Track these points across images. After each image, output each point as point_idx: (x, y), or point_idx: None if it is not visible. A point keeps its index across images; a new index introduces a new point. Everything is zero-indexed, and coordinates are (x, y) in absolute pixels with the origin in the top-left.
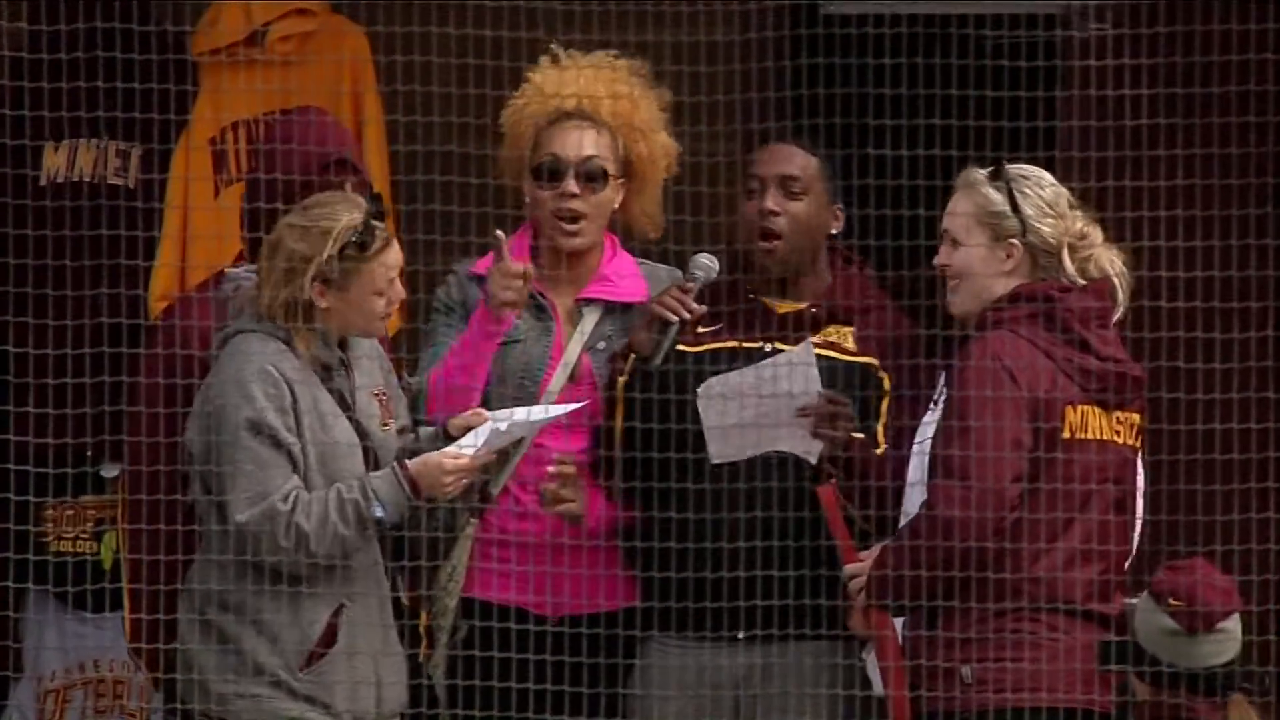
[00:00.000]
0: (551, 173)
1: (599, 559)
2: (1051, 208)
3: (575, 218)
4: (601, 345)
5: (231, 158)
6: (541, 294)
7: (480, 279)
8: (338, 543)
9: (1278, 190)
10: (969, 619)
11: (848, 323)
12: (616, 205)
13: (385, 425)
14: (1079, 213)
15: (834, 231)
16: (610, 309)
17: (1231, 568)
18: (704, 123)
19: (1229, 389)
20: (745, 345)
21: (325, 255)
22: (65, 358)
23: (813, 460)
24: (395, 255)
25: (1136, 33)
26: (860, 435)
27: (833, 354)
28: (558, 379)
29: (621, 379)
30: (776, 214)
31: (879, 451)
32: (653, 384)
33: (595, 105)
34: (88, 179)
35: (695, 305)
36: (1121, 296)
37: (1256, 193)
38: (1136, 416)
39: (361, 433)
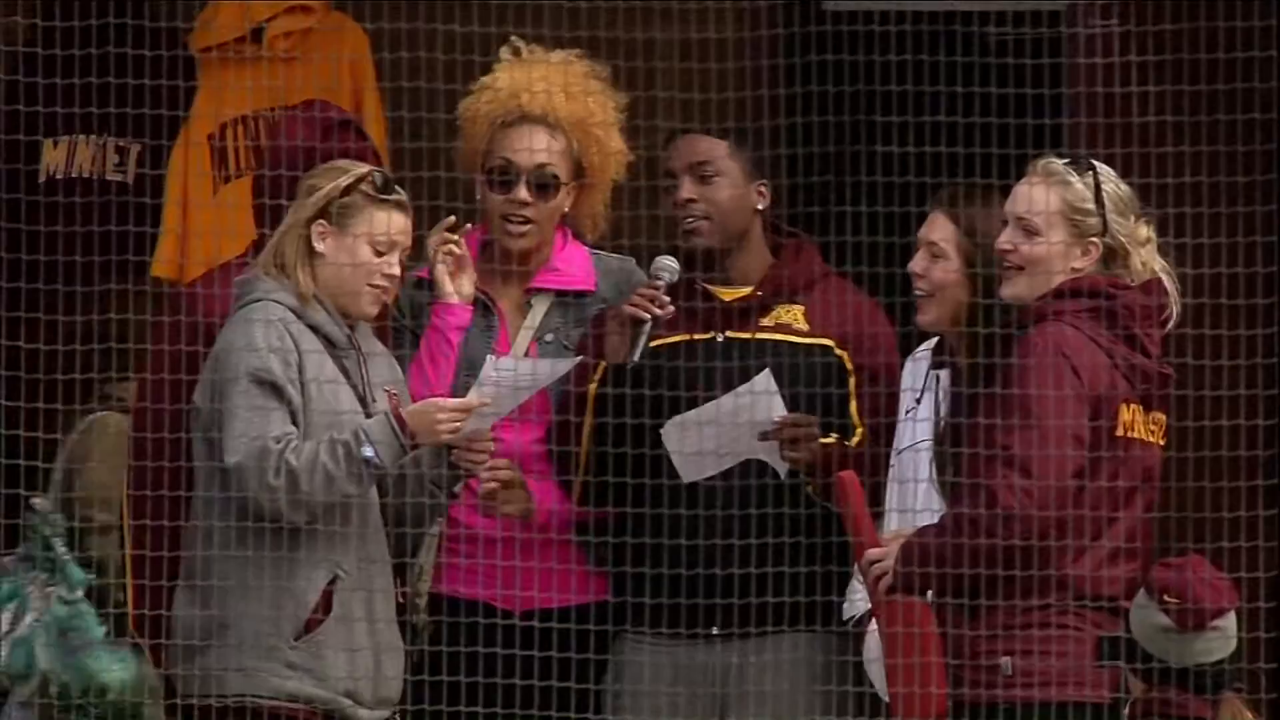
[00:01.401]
0: (504, 177)
1: (559, 554)
2: (1126, 207)
3: (524, 221)
4: (549, 337)
5: (230, 154)
6: (484, 291)
7: (425, 283)
8: (328, 484)
9: (1265, 188)
10: (1012, 613)
11: (796, 300)
12: (567, 208)
13: None
14: (1142, 218)
15: (760, 208)
16: (560, 300)
17: (1230, 565)
18: (711, 120)
19: (1227, 386)
20: (696, 338)
21: (339, 183)
22: (68, 353)
23: (782, 472)
24: (404, 225)
25: (1143, 29)
26: (831, 439)
27: (785, 337)
28: None
29: (593, 384)
30: (694, 200)
31: (856, 440)
32: (625, 383)
33: (553, 108)
34: (87, 175)
35: (665, 301)
36: (1175, 310)
37: (1263, 189)
38: (1164, 417)
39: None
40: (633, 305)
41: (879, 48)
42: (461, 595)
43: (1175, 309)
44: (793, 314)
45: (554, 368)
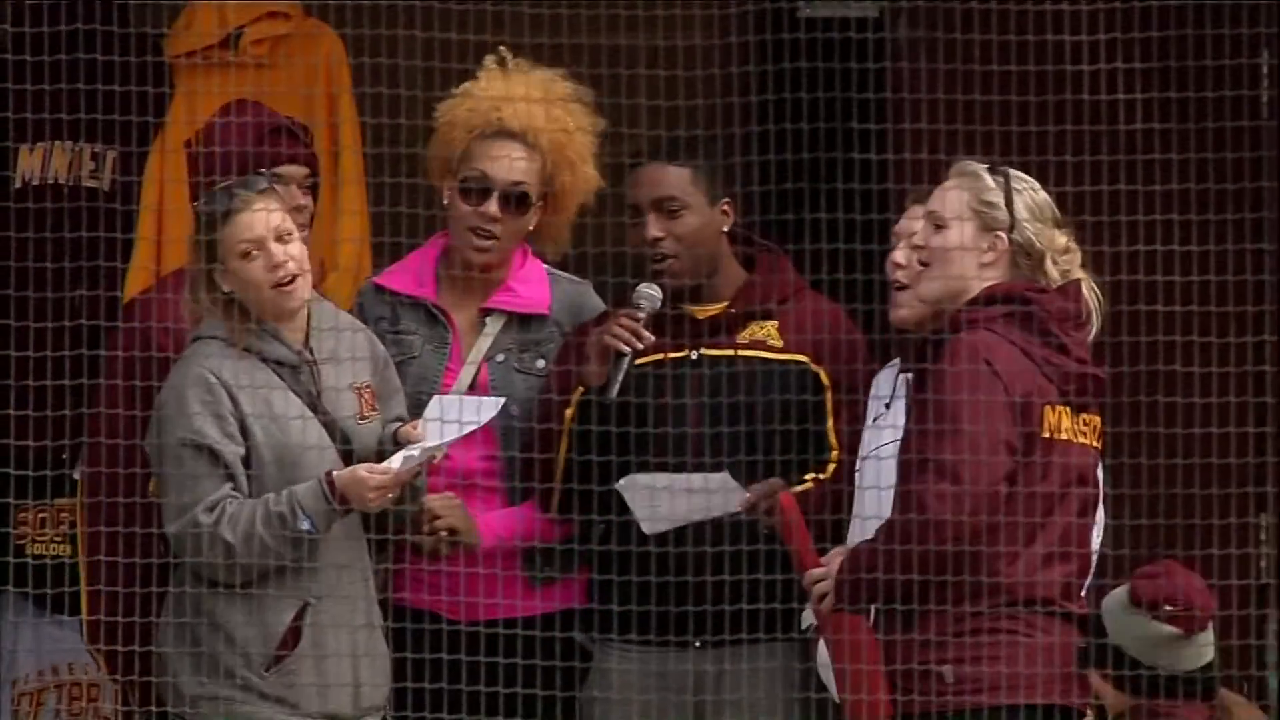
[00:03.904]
0: (478, 190)
1: (509, 564)
2: (1041, 213)
3: (489, 235)
4: (500, 358)
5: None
6: (437, 306)
7: (382, 290)
8: (264, 553)
9: (1256, 195)
10: (947, 620)
11: (769, 316)
12: (531, 227)
13: (364, 418)
14: (1063, 228)
15: (726, 229)
16: (513, 320)
17: (1212, 572)
18: (680, 128)
19: (1208, 394)
20: (671, 355)
21: (192, 234)
22: (41, 360)
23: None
24: (254, 219)
25: (1129, 37)
26: (808, 483)
27: (760, 353)
28: (456, 389)
29: (569, 411)
30: (660, 238)
31: (830, 468)
32: (606, 417)
33: (533, 126)
34: (62, 181)
35: (647, 335)
36: (1096, 319)
37: (1234, 198)
38: (1097, 419)
39: (331, 433)
40: (614, 336)
41: (855, 54)
42: (409, 604)
43: (1096, 318)
44: (766, 330)
45: (460, 431)
